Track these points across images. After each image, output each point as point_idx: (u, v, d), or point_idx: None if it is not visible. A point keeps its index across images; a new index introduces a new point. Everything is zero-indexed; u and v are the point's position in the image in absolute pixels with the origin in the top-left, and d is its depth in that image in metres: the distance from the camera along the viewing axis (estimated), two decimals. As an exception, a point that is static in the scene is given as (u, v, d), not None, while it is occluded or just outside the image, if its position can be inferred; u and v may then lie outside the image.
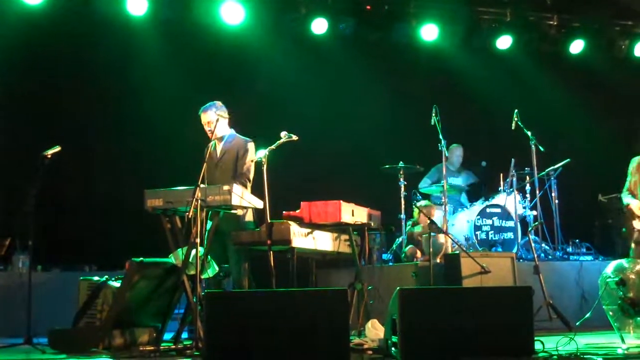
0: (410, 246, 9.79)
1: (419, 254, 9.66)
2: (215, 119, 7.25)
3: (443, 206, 9.58)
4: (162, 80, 10.36)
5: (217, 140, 7.50)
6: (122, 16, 10.32)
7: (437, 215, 9.79)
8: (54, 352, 6.40)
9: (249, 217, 7.28)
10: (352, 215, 7.05)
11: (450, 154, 10.71)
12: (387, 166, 9.86)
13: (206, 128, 7.45)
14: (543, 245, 10.00)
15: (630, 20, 12.35)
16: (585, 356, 5.35)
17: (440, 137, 9.31)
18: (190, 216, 6.13)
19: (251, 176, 7.36)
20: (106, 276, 6.81)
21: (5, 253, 8.52)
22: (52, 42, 10.23)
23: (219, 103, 7.54)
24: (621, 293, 6.40)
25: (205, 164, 6.60)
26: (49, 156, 7.12)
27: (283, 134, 7.00)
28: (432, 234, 8.59)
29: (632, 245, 8.21)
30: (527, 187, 10.28)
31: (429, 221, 8.68)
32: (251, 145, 7.44)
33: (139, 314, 6.72)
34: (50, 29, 10.09)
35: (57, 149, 7.17)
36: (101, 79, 10.54)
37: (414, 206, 10.09)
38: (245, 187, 7.16)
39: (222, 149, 7.50)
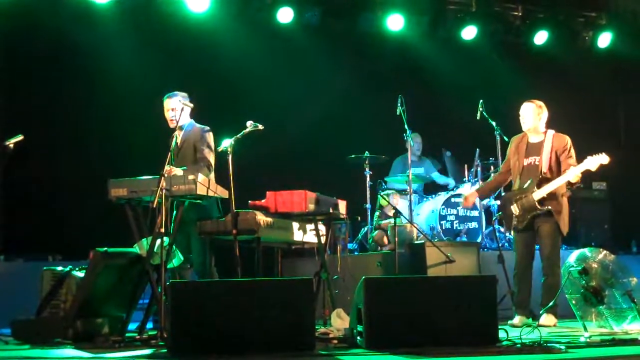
0: (377, 231, 9.80)
1: (385, 240, 9.67)
2: (180, 108, 7.22)
3: (408, 196, 9.62)
4: (126, 69, 10.26)
5: (178, 129, 7.48)
6: (86, 3, 10.22)
7: (402, 205, 9.82)
8: (17, 343, 6.34)
9: (213, 206, 7.27)
10: (318, 204, 7.05)
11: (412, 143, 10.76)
12: (352, 156, 9.87)
13: (168, 114, 7.42)
14: (507, 234, 10.07)
15: (594, 11, 12.46)
16: (548, 344, 5.40)
17: (406, 127, 9.33)
18: (154, 206, 6.09)
19: (212, 161, 7.34)
20: (70, 266, 6.74)
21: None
22: (14, 27, 10.09)
23: (183, 94, 7.51)
24: (584, 282, 6.47)
25: (169, 153, 6.58)
26: (11, 145, 7.01)
27: (249, 123, 6.99)
28: (397, 223, 8.64)
29: (513, 233, 7.88)
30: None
31: (393, 210, 8.74)
32: (208, 133, 7.42)
33: (103, 304, 6.66)
34: (13, 14, 9.95)
35: (20, 138, 7.05)
36: (65, 67, 10.42)
37: (379, 195, 10.09)
38: (209, 170, 7.18)
39: (181, 138, 7.48)
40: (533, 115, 7.76)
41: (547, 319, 7.23)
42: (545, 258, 7.50)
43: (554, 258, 7.49)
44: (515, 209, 7.63)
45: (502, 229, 9.75)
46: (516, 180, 7.80)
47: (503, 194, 8.32)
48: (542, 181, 7.52)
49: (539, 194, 7.46)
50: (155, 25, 10.73)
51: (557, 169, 7.60)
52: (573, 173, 7.42)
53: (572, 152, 7.65)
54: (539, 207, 7.46)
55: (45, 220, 9.87)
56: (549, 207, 7.45)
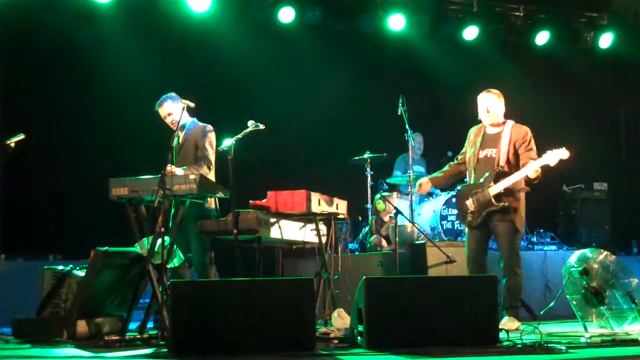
0: (375, 236, 9.82)
1: (384, 243, 9.69)
2: (178, 109, 7.24)
3: (409, 196, 9.61)
4: (127, 68, 10.28)
5: (180, 129, 7.49)
6: (87, 3, 10.23)
7: (402, 205, 9.80)
8: (18, 342, 6.34)
9: (212, 206, 7.28)
10: (319, 204, 7.05)
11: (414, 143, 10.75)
12: (355, 158, 9.88)
13: (167, 120, 7.45)
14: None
15: (595, 11, 12.45)
16: (548, 345, 5.39)
17: (407, 127, 9.33)
18: (155, 205, 6.10)
19: (212, 159, 7.35)
20: (71, 265, 6.76)
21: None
22: (15, 28, 10.11)
23: (173, 94, 7.52)
24: (584, 282, 6.46)
25: (171, 153, 6.59)
26: (13, 145, 7.02)
27: (250, 122, 6.99)
28: (398, 223, 8.65)
29: (466, 230, 7.56)
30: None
31: (394, 211, 8.74)
32: (211, 132, 7.44)
33: (103, 303, 6.68)
34: (14, 15, 9.96)
35: (21, 137, 7.05)
36: (67, 67, 10.44)
37: (375, 199, 10.05)
38: (209, 169, 7.21)
39: (183, 137, 7.50)
40: (498, 105, 7.44)
41: (509, 322, 7.00)
42: (504, 260, 7.27)
43: (513, 259, 7.24)
44: (470, 203, 7.35)
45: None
46: (471, 174, 7.49)
47: (459, 187, 7.93)
48: (499, 175, 7.20)
49: (495, 189, 7.16)
50: (157, 25, 10.73)
51: (515, 163, 7.26)
52: (531, 168, 7.06)
53: (533, 144, 7.30)
54: (495, 202, 7.16)
55: (46, 220, 9.90)
56: (505, 204, 7.15)
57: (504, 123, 7.46)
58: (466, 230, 7.59)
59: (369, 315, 5.44)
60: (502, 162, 7.25)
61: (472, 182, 7.49)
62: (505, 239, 7.24)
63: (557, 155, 7.03)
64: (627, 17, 12.51)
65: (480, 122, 7.57)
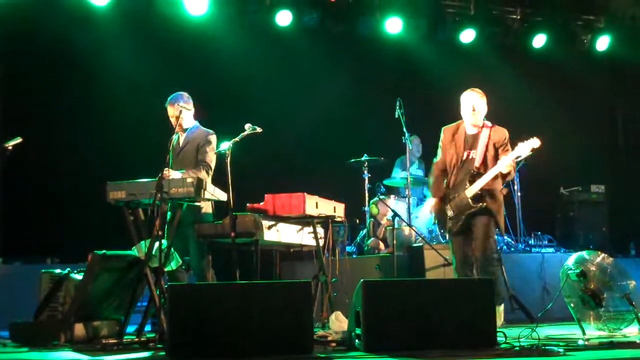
0: (372, 239, 9.82)
1: (382, 246, 9.69)
2: (178, 111, 7.25)
3: (407, 198, 9.61)
4: (126, 70, 10.29)
5: (181, 132, 7.49)
6: (85, 5, 10.24)
7: (400, 208, 9.80)
8: (16, 345, 6.32)
9: (208, 209, 7.28)
10: (317, 207, 7.05)
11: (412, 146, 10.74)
12: (352, 160, 9.88)
13: (172, 121, 7.45)
14: (505, 237, 10.05)
15: (592, 14, 12.47)
16: (546, 347, 5.40)
17: (404, 130, 9.33)
18: (152, 209, 6.10)
19: (212, 165, 7.34)
20: (68, 269, 6.74)
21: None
22: (16, 30, 10.12)
23: (185, 95, 7.52)
24: (582, 285, 6.47)
25: (168, 156, 6.58)
26: (10, 148, 7.01)
27: (247, 126, 6.97)
28: (396, 226, 8.64)
29: (449, 236, 7.35)
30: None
31: (391, 213, 8.75)
32: (213, 137, 7.43)
33: (101, 306, 6.67)
34: (16, 17, 9.97)
35: (19, 140, 7.04)
36: (65, 69, 10.44)
37: (371, 203, 10.04)
38: (207, 173, 7.21)
39: (184, 140, 7.49)
40: (483, 104, 7.34)
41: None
42: (478, 252, 7.02)
43: (487, 254, 6.99)
44: (448, 209, 7.24)
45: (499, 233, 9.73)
46: (451, 176, 7.32)
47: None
48: (474, 177, 7.08)
49: (471, 190, 7.04)
50: (154, 28, 10.74)
51: (493, 165, 7.10)
52: (504, 163, 6.96)
53: (509, 146, 7.16)
54: (472, 204, 7.03)
55: (44, 223, 9.88)
56: (484, 204, 7.02)
57: (483, 124, 7.37)
58: (448, 237, 7.47)
59: (367, 318, 5.44)
60: (478, 164, 7.14)
61: (450, 185, 7.32)
62: (482, 231, 7.02)
63: (529, 146, 6.95)
64: (624, 20, 12.52)
65: (453, 122, 7.47)
